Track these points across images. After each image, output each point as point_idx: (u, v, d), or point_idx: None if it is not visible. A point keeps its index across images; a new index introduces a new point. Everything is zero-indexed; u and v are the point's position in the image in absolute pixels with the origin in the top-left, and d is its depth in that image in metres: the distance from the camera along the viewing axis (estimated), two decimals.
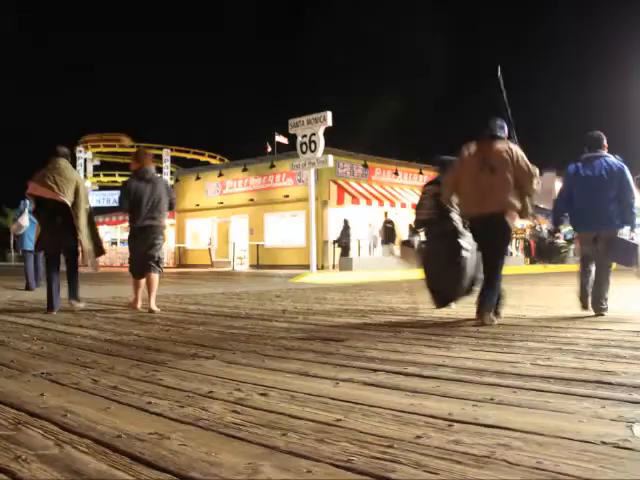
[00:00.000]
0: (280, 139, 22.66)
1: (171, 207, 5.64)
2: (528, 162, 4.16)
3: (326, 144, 14.09)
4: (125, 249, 28.66)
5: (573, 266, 20.41)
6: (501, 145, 4.18)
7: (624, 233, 4.78)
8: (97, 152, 43.79)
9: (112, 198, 42.22)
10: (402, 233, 19.12)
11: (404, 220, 19.93)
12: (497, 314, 4.28)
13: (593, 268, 4.81)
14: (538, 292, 7.98)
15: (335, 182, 20.03)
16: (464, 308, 5.56)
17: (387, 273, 13.15)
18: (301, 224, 19.03)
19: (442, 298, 5.12)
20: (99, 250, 5.50)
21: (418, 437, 1.57)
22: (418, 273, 5.40)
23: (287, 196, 20.46)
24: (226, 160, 38.87)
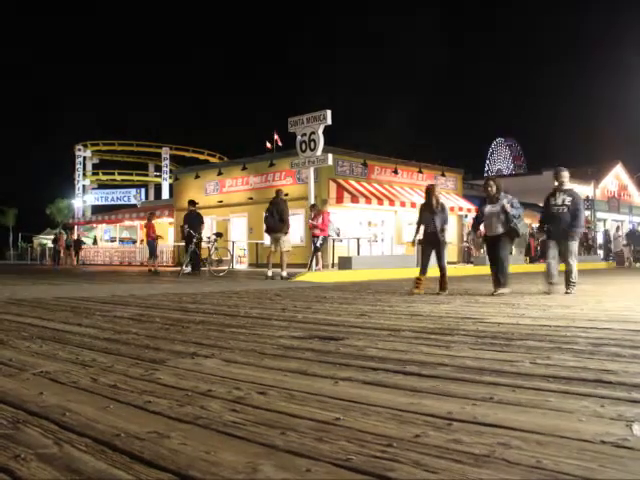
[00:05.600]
0: (277, 138, 22.66)
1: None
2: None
3: (325, 142, 14.08)
4: (123, 247, 28.65)
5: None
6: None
7: None
8: (96, 150, 43.65)
9: (110, 196, 42.22)
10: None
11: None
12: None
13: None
14: (537, 291, 7.98)
15: (335, 181, 20.03)
16: (464, 307, 5.56)
17: (387, 272, 13.14)
18: (301, 223, 19.03)
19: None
20: None
21: (417, 436, 1.57)
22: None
23: (286, 195, 20.44)
24: (225, 159, 38.85)
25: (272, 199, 11.80)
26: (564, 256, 7.54)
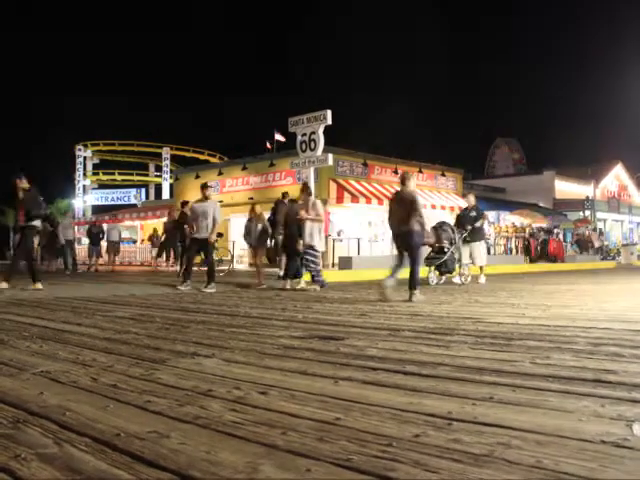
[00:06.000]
0: (279, 137, 22.64)
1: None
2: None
3: (325, 142, 14.07)
4: (124, 248, 28.61)
5: (573, 265, 20.42)
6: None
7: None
8: (96, 150, 43.61)
9: (110, 196, 42.21)
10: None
11: None
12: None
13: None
14: (537, 291, 7.98)
15: (335, 181, 20.03)
16: (464, 307, 5.56)
17: (387, 272, 13.11)
18: None
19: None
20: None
21: (417, 436, 1.57)
22: None
23: (285, 193, 20.43)
24: (225, 159, 38.82)
25: (276, 200, 12.02)
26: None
